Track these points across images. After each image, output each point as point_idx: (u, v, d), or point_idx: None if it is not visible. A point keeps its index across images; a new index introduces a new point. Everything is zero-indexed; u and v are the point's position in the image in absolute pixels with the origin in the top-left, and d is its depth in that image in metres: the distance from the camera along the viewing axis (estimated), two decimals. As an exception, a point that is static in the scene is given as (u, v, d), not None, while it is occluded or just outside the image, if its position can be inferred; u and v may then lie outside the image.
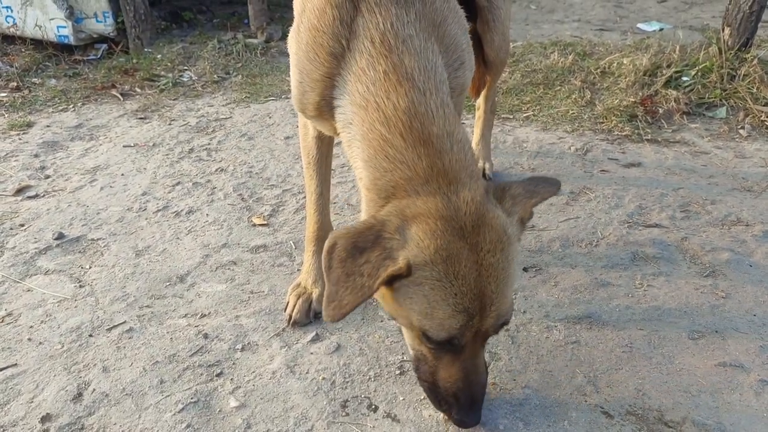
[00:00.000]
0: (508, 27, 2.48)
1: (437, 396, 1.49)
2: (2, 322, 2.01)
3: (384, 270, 1.28)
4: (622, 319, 1.98)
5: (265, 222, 2.54)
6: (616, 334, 1.91)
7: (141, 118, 3.69)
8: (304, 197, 2.69)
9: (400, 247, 1.30)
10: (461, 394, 1.44)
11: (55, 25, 4.54)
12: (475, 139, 2.83)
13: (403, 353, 1.86)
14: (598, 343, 1.88)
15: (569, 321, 1.97)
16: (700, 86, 3.59)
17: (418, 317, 1.35)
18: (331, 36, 1.51)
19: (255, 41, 4.87)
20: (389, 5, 1.49)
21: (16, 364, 1.84)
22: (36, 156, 3.18)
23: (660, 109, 3.46)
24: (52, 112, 3.80)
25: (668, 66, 3.77)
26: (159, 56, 4.62)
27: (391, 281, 1.33)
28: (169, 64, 4.50)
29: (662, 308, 2.01)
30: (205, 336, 1.94)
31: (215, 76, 4.34)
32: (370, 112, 1.44)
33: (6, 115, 3.72)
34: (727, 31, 3.72)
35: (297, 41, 1.63)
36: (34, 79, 4.30)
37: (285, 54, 4.77)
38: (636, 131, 3.27)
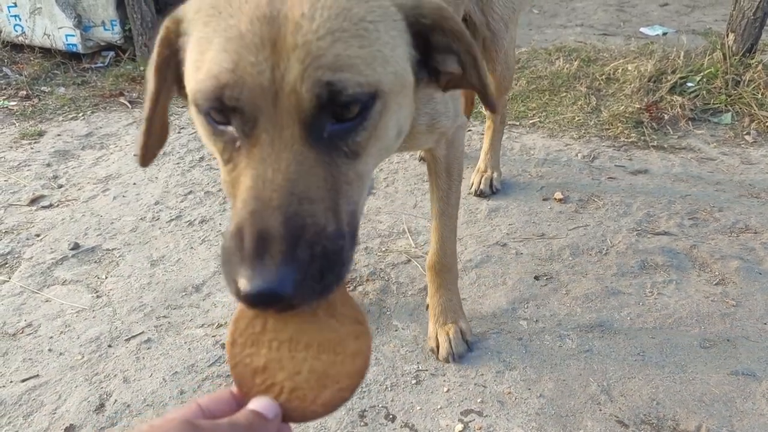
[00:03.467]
0: (512, 55, 2.50)
1: (224, 252, 0.79)
2: (23, 333, 2.04)
3: (156, 46, 0.94)
4: (633, 327, 2.00)
5: (278, 231, 2.57)
6: (628, 342, 1.94)
7: (150, 127, 3.71)
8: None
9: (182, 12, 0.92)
10: (246, 226, 0.75)
11: (63, 34, 4.57)
12: (484, 149, 2.85)
13: (418, 362, 1.89)
14: (610, 352, 1.91)
15: (581, 330, 2.00)
16: (705, 92, 3.62)
17: (191, 84, 0.85)
18: None
19: (261, 48, 4.89)
20: None
21: (38, 375, 1.87)
22: (48, 165, 3.21)
23: (665, 116, 3.48)
24: (62, 120, 3.83)
25: (673, 72, 3.80)
26: (166, 63, 4.65)
27: (177, 67, 0.94)
28: (176, 71, 4.53)
29: (673, 316, 2.04)
30: (223, 346, 1.97)
31: (222, 83, 4.37)
32: None
33: (17, 124, 3.75)
34: (731, 36, 3.75)
35: None
36: (43, 88, 4.33)
37: (291, 61, 4.80)
38: (642, 138, 3.29)
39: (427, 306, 2.04)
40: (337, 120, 0.82)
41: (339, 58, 0.79)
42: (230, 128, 0.83)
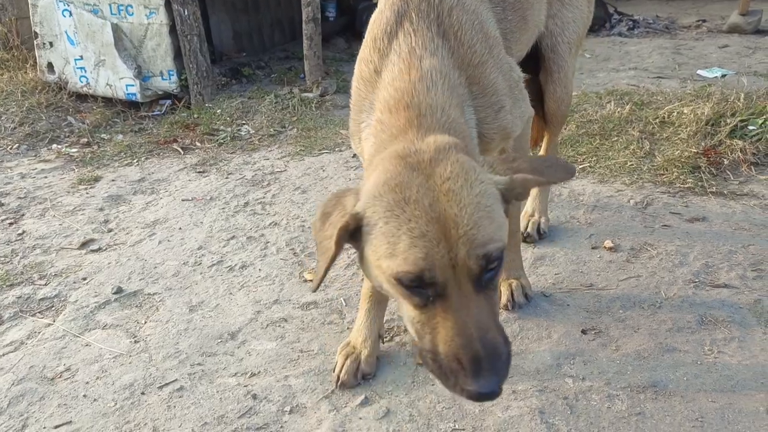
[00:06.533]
0: (571, 80, 2.46)
1: (442, 369, 1.25)
2: (60, 377, 2.06)
3: (336, 226, 1.32)
4: (690, 389, 1.85)
5: (317, 278, 2.54)
6: (685, 405, 1.79)
7: (200, 172, 3.81)
8: (355, 253, 2.68)
9: (354, 202, 1.35)
10: (462, 354, 1.20)
11: (124, 84, 4.80)
12: (533, 193, 2.77)
13: (455, 420, 1.79)
14: (665, 416, 1.76)
15: (633, 389, 1.86)
16: (768, 135, 3.44)
17: (386, 262, 1.26)
18: (368, 61, 1.63)
19: (310, 95, 5.00)
20: (425, 30, 1.57)
21: (70, 422, 1.86)
22: (101, 210, 3.32)
23: (725, 160, 3.31)
24: (118, 166, 3.97)
25: (732, 115, 3.63)
26: (219, 111, 4.80)
27: (355, 238, 1.35)
28: (228, 118, 4.67)
29: (735, 378, 1.87)
30: (254, 397, 1.92)
31: (272, 129, 4.46)
32: (381, 108, 1.52)
33: (76, 170, 3.92)
34: (795, 78, 3.57)
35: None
36: (103, 135, 4.53)
37: (339, 107, 4.87)
38: (699, 183, 3.13)
39: None
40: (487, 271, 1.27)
41: (485, 237, 1.24)
42: (424, 291, 1.26)
